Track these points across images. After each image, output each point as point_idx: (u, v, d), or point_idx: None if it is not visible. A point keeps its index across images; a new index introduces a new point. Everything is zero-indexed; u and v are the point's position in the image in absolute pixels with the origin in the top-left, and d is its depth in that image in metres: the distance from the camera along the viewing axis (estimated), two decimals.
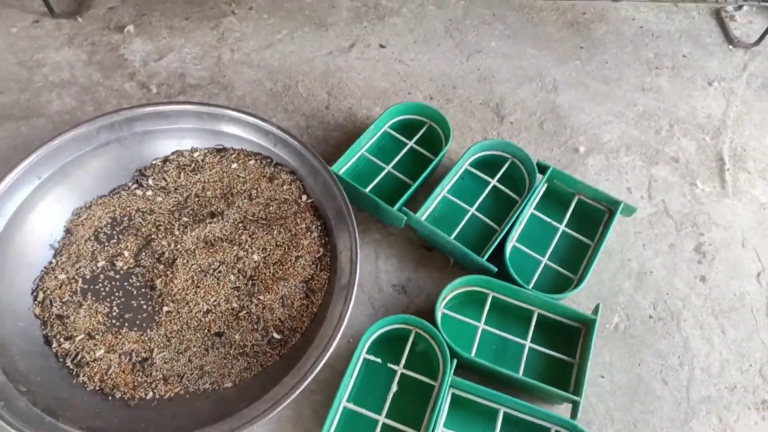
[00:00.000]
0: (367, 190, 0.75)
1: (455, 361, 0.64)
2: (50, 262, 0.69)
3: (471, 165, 0.82)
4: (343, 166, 0.78)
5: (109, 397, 0.62)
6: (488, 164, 0.82)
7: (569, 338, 0.71)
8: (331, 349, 0.60)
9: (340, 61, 0.95)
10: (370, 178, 0.79)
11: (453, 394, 0.65)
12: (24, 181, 0.67)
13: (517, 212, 0.76)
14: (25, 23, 0.92)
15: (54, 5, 0.92)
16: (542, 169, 0.79)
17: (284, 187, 0.75)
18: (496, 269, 0.71)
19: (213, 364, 0.65)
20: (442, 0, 1.04)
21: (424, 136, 0.84)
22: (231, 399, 0.63)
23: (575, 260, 0.76)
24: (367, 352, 0.66)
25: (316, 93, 0.90)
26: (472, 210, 0.77)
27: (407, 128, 0.84)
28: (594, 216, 0.80)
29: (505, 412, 0.64)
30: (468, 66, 0.96)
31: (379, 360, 0.66)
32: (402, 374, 0.65)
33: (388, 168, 0.80)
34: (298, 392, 0.58)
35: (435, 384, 0.65)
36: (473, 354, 0.67)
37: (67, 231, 0.71)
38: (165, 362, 0.64)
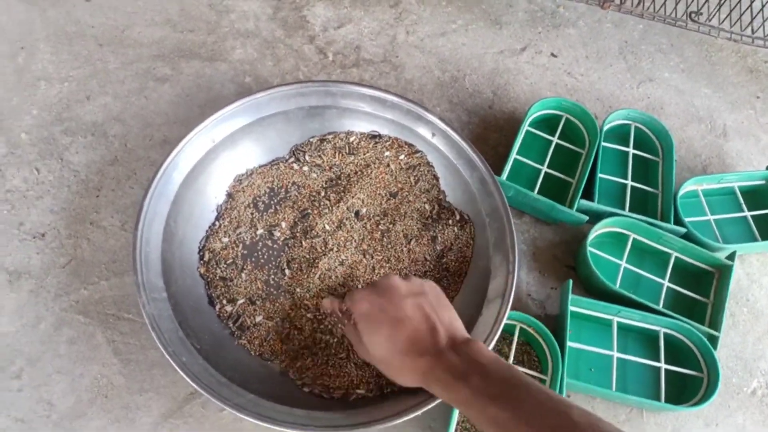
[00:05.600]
0: (535, 192, 0.76)
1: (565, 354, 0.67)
2: (213, 224, 0.71)
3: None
4: (505, 172, 0.77)
5: (269, 362, 0.64)
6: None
7: (703, 280, 0.77)
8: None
9: (509, 62, 0.94)
10: (531, 179, 0.80)
11: (572, 311, 0.70)
12: (200, 142, 0.69)
13: None
14: None
15: None
16: None
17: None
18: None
19: None
20: (620, 19, 1.01)
21: (563, 131, 0.84)
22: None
23: None
24: None
25: (481, 90, 0.90)
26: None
27: (545, 124, 0.86)
28: None
29: (618, 321, 0.71)
30: (638, 92, 0.94)
31: None
32: None
33: (544, 168, 0.80)
34: None
35: (546, 378, 0.67)
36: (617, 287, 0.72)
37: (229, 196, 0.73)
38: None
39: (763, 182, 0.83)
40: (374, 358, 0.55)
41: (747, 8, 0.86)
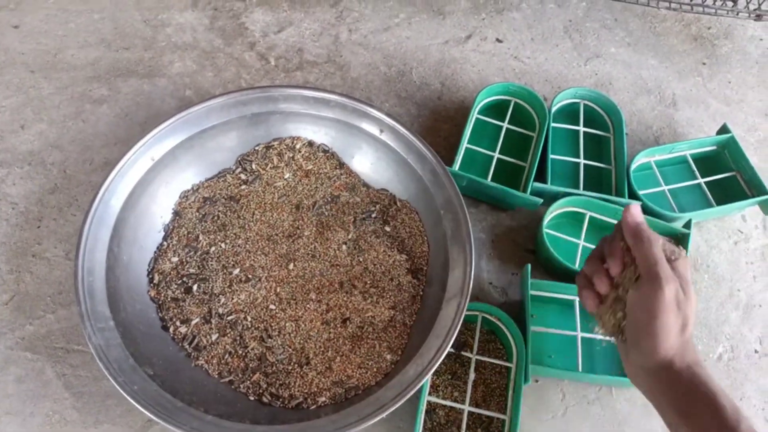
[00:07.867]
0: (489, 179, 0.75)
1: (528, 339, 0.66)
2: (161, 245, 0.69)
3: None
4: (457, 162, 0.77)
5: (228, 380, 0.62)
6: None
7: None
8: (447, 349, 0.59)
9: (455, 51, 0.93)
10: (484, 166, 0.79)
11: (533, 295, 0.70)
12: (139, 162, 0.67)
13: None
14: None
15: None
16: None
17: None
18: None
19: None
20: None
21: (512, 116, 0.84)
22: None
23: None
24: None
25: (429, 82, 0.89)
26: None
27: (494, 110, 0.85)
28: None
29: (579, 302, 0.70)
30: (585, 70, 0.94)
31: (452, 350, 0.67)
32: (477, 360, 0.67)
33: (496, 154, 0.80)
34: (421, 383, 0.57)
35: (511, 366, 0.66)
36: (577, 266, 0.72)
37: (176, 214, 0.71)
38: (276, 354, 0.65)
39: (714, 148, 0.83)
40: (650, 351, 0.50)
41: None
